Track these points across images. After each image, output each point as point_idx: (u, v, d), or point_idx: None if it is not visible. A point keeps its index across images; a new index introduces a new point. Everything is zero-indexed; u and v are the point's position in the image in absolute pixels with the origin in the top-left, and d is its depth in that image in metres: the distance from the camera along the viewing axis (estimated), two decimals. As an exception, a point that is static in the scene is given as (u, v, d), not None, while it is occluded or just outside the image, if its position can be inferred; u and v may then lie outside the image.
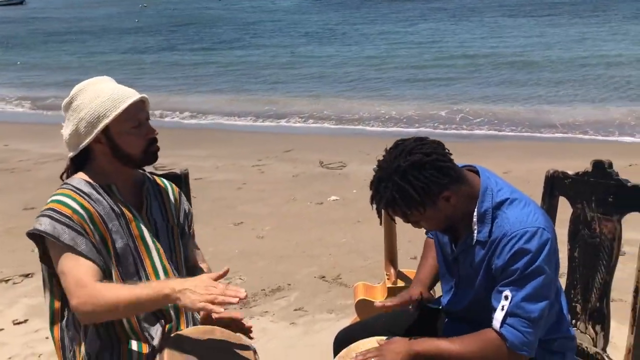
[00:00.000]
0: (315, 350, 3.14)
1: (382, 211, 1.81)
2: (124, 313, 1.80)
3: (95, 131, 1.83)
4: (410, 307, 2.06)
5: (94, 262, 1.79)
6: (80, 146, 1.87)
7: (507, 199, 1.76)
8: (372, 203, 1.79)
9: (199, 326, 1.90)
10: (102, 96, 1.84)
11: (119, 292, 1.73)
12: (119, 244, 1.86)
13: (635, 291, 1.92)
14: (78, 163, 1.93)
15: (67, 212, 1.79)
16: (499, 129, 9.52)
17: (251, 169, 7.37)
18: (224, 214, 5.61)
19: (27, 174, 7.29)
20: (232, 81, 15.02)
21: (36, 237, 1.80)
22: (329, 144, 8.59)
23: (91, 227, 1.81)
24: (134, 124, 1.86)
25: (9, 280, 4.26)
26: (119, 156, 1.88)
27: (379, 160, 1.78)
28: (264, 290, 3.99)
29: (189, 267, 2.07)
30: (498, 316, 1.70)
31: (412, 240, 4.04)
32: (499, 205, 1.75)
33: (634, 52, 15.02)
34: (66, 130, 1.90)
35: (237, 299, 1.65)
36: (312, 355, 3.03)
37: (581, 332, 2.12)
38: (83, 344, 1.88)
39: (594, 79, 12.58)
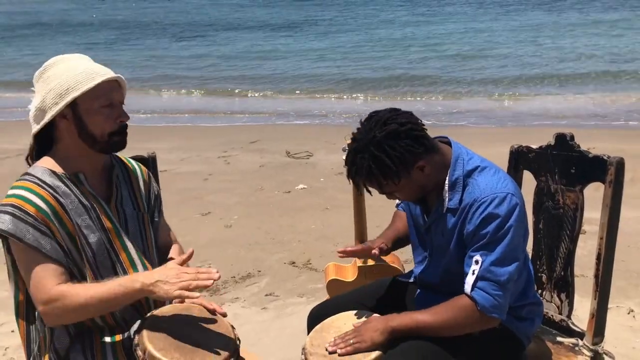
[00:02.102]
0: (287, 333, 3.16)
1: (355, 188, 1.84)
2: (94, 313, 1.75)
3: (63, 103, 1.72)
4: (374, 250, 2.06)
5: (59, 263, 1.71)
6: (45, 119, 1.75)
7: (477, 167, 1.80)
8: (348, 176, 1.81)
9: (176, 304, 1.88)
10: (75, 70, 1.75)
11: (87, 292, 1.68)
12: (92, 238, 1.77)
13: (598, 258, 1.98)
14: (42, 144, 1.83)
15: (31, 210, 1.69)
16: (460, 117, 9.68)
17: (217, 160, 7.32)
18: (191, 204, 5.56)
19: (-15, 170, 7.10)
20: (193, 75, 14.85)
21: None
22: (295, 134, 8.58)
23: (56, 224, 1.72)
24: (105, 102, 1.76)
25: (-31, 275, 4.15)
26: (85, 137, 1.77)
27: (353, 133, 1.80)
28: (234, 277, 3.98)
29: (161, 248, 2.03)
30: (469, 280, 1.75)
31: (381, 225, 4.08)
32: (469, 173, 1.80)
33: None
34: (33, 103, 1.80)
35: (211, 281, 1.65)
36: (284, 337, 3.05)
37: (547, 301, 2.18)
38: (49, 340, 1.81)
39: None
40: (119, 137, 1.81)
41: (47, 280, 1.68)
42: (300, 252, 4.39)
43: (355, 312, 1.98)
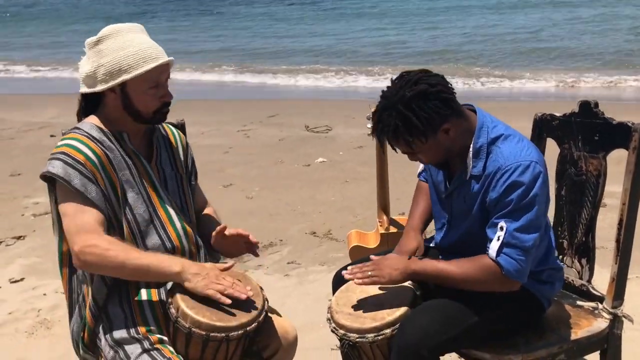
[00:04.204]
0: (310, 298, 3.23)
1: (379, 148, 1.87)
2: (127, 275, 1.80)
3: (112, 82, 1.80)
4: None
5: (101, 211, 1.80)
6: (94, 89, 1.84)
7: (501, 135, 1.83)
8: (373, 133, 1.84)
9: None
10: (128, 49, 1.80)
11: (127, 255, 1.74)
12: (130, 193, 1.86)
13: (619, 224, 2.01)
14: (90, 102, 1.92)
15: (80, 157, 1.79)
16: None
17: (236, 134, 7.39)
18: (212, 177, 5.64)
19: (11, 142, 7.24)
20: (214, 49, 14.87)
21: (48, 179, 1.81)
22: (314, 108, 8.62)
23: (102, 174, 1.81)
24: (153, 84, 1.83)
25: (1, 242, 4.28)
26: (129, 110, 1.86)
27: (383, 91, 1.83)
28: (256, 246, 4.06)
29: (197, 209, 2.10)
30: (494, 246, 1.79)
31: (400, 198, 4.13)
32: (493, 141, 1.83)
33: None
34: (84, 67, 1.86)
35: (245, 296, 1.75)
36: (307, 302, 3.13)
37: (568, 266, 2.22)
38: (90, 289, 1.88)
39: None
40: (161, 114, 1.90)
41: (90, 223, 1.76)
42: (321, 222, 4.46)
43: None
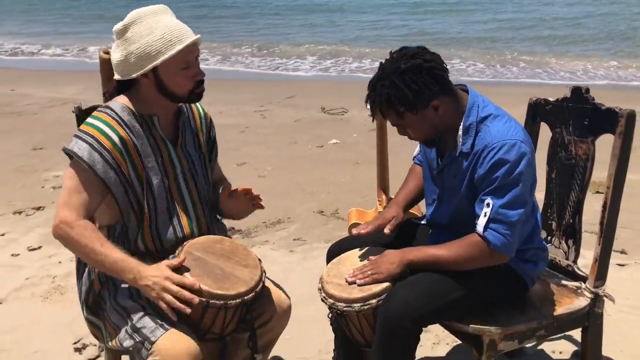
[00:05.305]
0: (312, 273, 3.33)
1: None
2: (89, 263, 1.90)
3: (144, 69, 1.84)
4: (386, 229, 2.13)
5: (114, 196, 1.86)
6: (127, 77, 1.88)
7: (490, 114, 1.91)
8: (366, 101, 1.91)
9: (210, 236, 2.04)
10: (155, 33, 1.83)
11: (93, 246, 1.79)
12: (155, 180, 1.93)
13: (604, 206, 2.07)
14: (123, 84, 1.94)
15: (107, 145, 1.84)
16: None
17: (254, 114, 7.49)
18: (227, 155, 5.71)
19: (34, 117, 7.44)
20: (227, 28, 14.89)
21: (69, 155, 1.87)
22: (331, 90, 8.68)
23: (127, 160, 1.87)
24: (183, 65, 1.86)
25: (22, 212, 4.46)
26: (164, 93, 1.90)
27: (381, 62, 1.92)
28: (264, 222, 4.18)
29: (214, 183, 2.18)
30: (481, 222, 1.87)
31: (400, 178, 4.19)
32: (482, 120, 1.90)
33: None
34: (115, 55, 1.90)
35: (187, 309, 1.75)
36: (309, 277, 3.22)
37: (555, 247, 2.29)
38: None
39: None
40: (196, 94, 1.95)
41: (77, 205, 1.82)
42: (329, 202, 4.55)
43: (369, 248, 2.13)
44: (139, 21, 1.85)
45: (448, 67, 1.93)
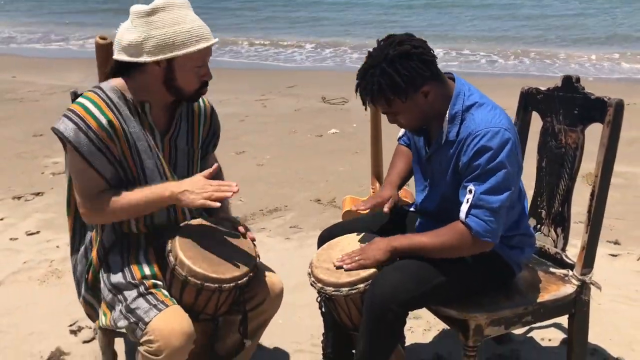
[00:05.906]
0: (307, 261, 3.31)
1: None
2: (128, 216, 1.96)
3: (161, 56, 1.82)
4: (385, 208, 2.19)
5: (104, 178, 1.90)
6: (138, 59, 1.84)
7: (475, 103, 1.92)
8: (356, 90, 1.93)
9: (205, 221, 2.06)
10: (182, 25, 1.82)
11: (124, 198, 1.88)
12: (148, 164, 1.94)
13: (592, 195, 2.09)
14: (124, 66, 1.91)
15: (93, 124, 1.84)
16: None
17: (254, 103, 7.51)
18: (226, 144, 5.70)
19: (35, 104, 7.47)
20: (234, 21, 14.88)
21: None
22: (332, 80, 8.67)
23: (115, 140, 1.88)
24: (199, 63, 1.87)
25: (21, 197, 4.50)
26: (168, 85, 1.89)
27: (369, 51, 1.92)
28: (262, 210, 4.21)
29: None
30: (464, 208, 1.89)
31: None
32: (468, 108, 1.92)
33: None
34: (129, 36, 1.84)
35: (232, 193, 1.83)
36: (304, 264, 3.22)
37: (544, 235, 2.31)
38: (100, 235, 2.04)
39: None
40: (199, 94, 1.96)
41: (92, 189, 1.90)
42: (327, 191, 4.57)
43: (359, 234, 2.16)
44: (168, 9, 1.83)
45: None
